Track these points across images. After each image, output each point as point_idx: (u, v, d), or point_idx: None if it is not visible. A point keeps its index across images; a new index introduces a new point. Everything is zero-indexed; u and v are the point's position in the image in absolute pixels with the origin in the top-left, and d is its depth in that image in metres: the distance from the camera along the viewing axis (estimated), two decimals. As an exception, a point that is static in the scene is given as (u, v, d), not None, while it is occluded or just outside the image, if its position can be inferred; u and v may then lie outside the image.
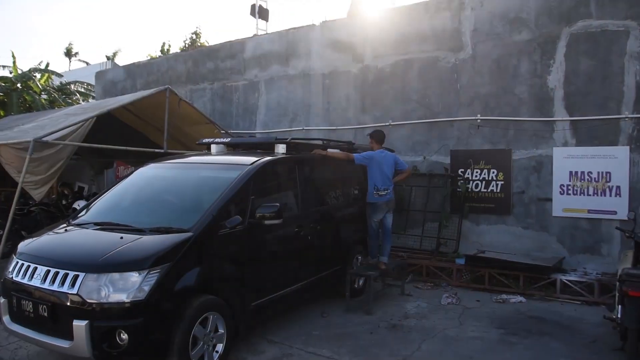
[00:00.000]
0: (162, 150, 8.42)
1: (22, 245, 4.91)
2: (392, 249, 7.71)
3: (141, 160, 11.48)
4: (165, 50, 24.55)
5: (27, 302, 4.38)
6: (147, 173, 6.05)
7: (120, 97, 9.50)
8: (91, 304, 4.06)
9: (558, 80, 7.96)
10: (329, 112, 10.32)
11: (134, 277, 4.10)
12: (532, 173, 8.22)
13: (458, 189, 8.67)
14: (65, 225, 5.25)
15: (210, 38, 49.18)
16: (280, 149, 6.04)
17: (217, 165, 5.82)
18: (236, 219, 4.86)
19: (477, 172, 8.67)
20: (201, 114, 9.23)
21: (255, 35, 12.10)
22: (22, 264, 4.56)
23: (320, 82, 10.41)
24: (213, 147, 6.47)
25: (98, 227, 4.91)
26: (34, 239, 5.05)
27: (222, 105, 11.85)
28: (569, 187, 7.90)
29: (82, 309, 4.08)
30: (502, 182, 8.45)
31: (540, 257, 7.75)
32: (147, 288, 4.08)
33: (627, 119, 7.46)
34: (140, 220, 4.96)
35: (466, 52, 8.76)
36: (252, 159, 5.63)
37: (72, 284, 4.13)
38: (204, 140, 6.74)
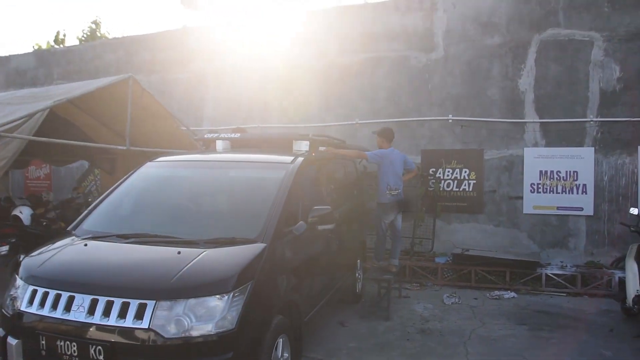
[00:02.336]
0: (124, 147, 7.38)
1: (31, 267, 3.75)
2: (367, 250, 7.61)
3: (68, 159, 10.18)
4: (60, 40, 21.80)
5: (66, 343, 3.27)
6: (160, 173, 5.17)
7: (72, 84, 8.16)
8: (169, 340, 3.17)
9: (529, 84, 8.36)
10: (289, 109, 9.86)
11: (218, 302, 3.31)
12: (503, 172, 8.55)
13: (430, 188, 8.75)
14: (72, 238, 4.19)
15: (117, 28, 44.49)
16: (303, 146, 5.52)
17: (252, 164, 5.14)
18: (302, 225, 4.33)
19: (449, 171, 8.82)
20: (164, 109, 8.26)
21: (203, 25, 11.21)
22: (45, 292, 3.47)
23: (280, 77, 9.90)
24: (219, 144, 5.74)
25: (131, 240, 3.97)
26: (43, 258, 3.88)
27: (161, 100, 10.70)
28: (539, 186, 8.35)
29: (157, 348, 3.18)
30: (474, 181, 8.69)
31: (521, 253, 8.09)
32: (234, 315, 3.33)
33: (592, 122, 8.05)
34: (181, 230, 4.18)
35: (438, 53, 8.87)
36: (288, 157, 5.08)
37: (139, 316, 3.21)
38: (211, 135, 5.97)
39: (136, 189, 4.94)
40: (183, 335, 3.20)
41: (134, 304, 3.25)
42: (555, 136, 8.26)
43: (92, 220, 4.46)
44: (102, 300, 3.30)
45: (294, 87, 9.78)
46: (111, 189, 4.83)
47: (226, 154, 5.56)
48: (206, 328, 3.25)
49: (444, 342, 5.49)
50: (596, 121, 8.02)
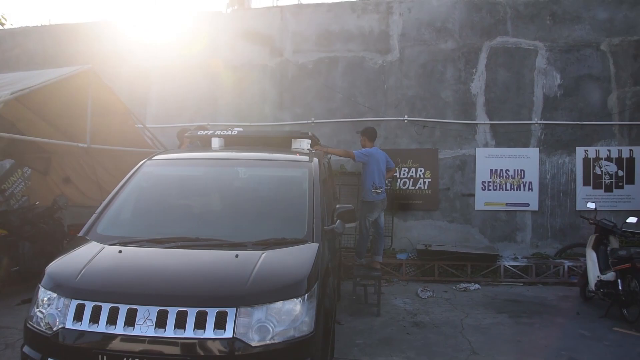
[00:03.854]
0: (85, 145, 6.76)
1: (67, 278, 3.27)
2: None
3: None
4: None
5: None
6: (169, 173, 4.80)
7: (19, 74, 7.22)
8: (255, 348, 2.97)
9: (480, 87, 8.88)
10: (241, 107, 9.59)
11: (297, 306, 3.15)
12: (456, 171, 8.99)
13: (387, 187, 8.95)
14: (92, 244, 3.70)
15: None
16: (304, 144, 5.41)
17: (270, 163, 4.91)
18: (341, 224, 4.25)
19: (404, 170, 9.09)
20: (122, 104, 7.65)
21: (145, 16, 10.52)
22: (96, 306, 3.05)
23: (231, 74, 9.61)
24: (215, 141, 5.43)
25: (171, 245, 3.61)
26: (76, 267, 3.35)
27: (97, 94, 9.96)
28: (490, 184, 8.88)
29: (244, 357, 2.97)
30: (430, 180, 9.04)
31: (476, 247, 8.54)
32: (310, 318, 3.18)
33: (536, 124, 8.73)
34: (221, 232, 3.93)
35: (394, 55, 9.12)
36: (303, 155, 4.97)
37: (220, 325, 2.96)
38: (206, 133, 5.62)
39: (148, 190, 4.53)
40: (268, 342, 3.02)
41: (212, 313, 2.98)
42: (503, 137, 8.84)
43: (106, 225, 4.01)
44: (173, 311, 2.98)
45: (247, 85, 9.55)
46: (115, 190, 4.36)
47: (237, 152, 5.25)
48: (289, 333, 3.08)
49: (443, 334, 5.65)
50: (540, 124, 8.71)
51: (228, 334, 2.95)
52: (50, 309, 3.17)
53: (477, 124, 8.91)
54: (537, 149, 8.75)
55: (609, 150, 8.55)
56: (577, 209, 8.64)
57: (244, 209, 4.33)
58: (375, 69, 9.18)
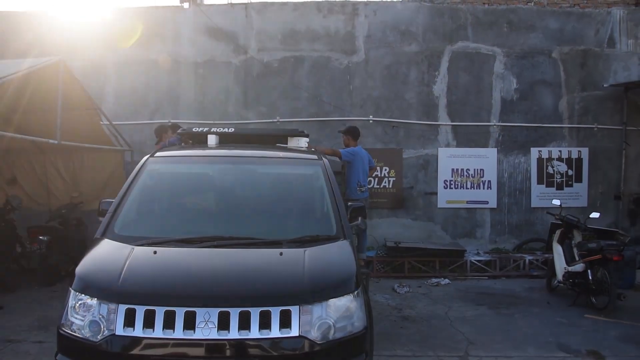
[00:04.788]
0: (55, 142, 6.30)
1: (106, 282, 3.07)
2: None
3: None
4: None
5: None
6: (178, 170, 4.61)
7: None
8: (319, 344, 2.95)
9: (442, 90, 9.21)
10: (204, 105, 9.34)
11: (352, 302, 3.15)
12: (420, 170, 9.26)
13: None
14: (118, 244, 3.48)
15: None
16: (302, 142, 5.35)
17: (280, 160, 4.77)
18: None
19: (370, 169, 9.23)
20: (89, 99, 7.19)
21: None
22: (149, 311, 2.88)
23: (193, 71, 9.34)
24: (211, 138, 5.24)
25: (207, 244, 3.46)
26: (114, 270, 3.13)
27: (45, 88, 9.31)
28: (451, 182, 9.23)
29: (310, 355, 2.95)
30: (394, 179, 9.25)
31: (440, 243, 8.84)
32: (362, 313, 3.19)
33: (494, 126, 9.19)
34: (251, 230, 3.82)
35: (359, 56, 9.25)
36: (310, 154, 4.95)
37: (285, 324, 2.91)
38: (201, 129, 5.39)
39: (160, 188, 4.36)
40: (330, 339, 3.00)
41: (275, 312, 2.92)
42: (464, 138, 9.21)
43: (123, 225, 3.77)
44: (235, 312, 2.88)
45: (210, 82, 9.31)
46: (124, 188, 4.10)
47: (243, 149, 5.07)
48: (346, 329, 3.07)
49: (434, 326, 5.83)
50: (498, 125, 9.17)
51: (294, 332, 2.91)
52: (91, 315, 2.96)
53: (439, 125, 9.22)
54: (495, 149, 9.20)
55: (560, 151, 9.15)
56: (532, 206, 9.20)
57: (266, 207, 4.25)
58: (340, 69, 9.26)
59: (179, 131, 5.61)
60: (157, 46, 9.29)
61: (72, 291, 3.10)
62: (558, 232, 7.20)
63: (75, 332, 2.98)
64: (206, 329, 2.84)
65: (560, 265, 6.98)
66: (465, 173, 9.23)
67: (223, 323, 2.86)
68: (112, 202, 4.17)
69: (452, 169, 9.23)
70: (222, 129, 5.36)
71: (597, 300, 6.39)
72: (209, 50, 9.30)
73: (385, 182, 9.25)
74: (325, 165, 4.57)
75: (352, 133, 6.91)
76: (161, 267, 3.27)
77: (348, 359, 3.10)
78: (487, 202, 9.21)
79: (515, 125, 9.16)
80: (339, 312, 3.08)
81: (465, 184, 9.23)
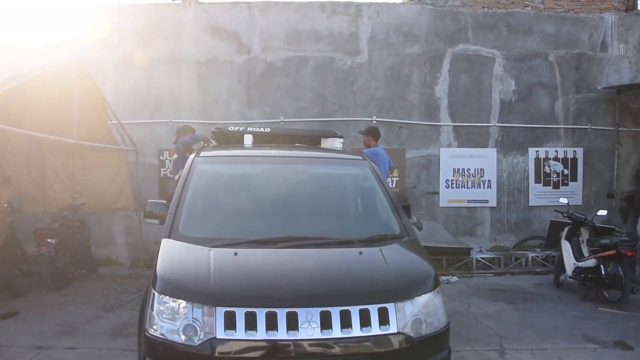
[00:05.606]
0: (72, 141, 6.12)
1: (198, 285, 3.03)
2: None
3: None
4: None
5: None
6: (231, 171, 4.58)
7: None
8: (416, 340, 3.05)
9: (443, 91, 9.38)
10: (206, 105, 9.23)
11: (435, 299, 3.27)
12: (422, 170, 9.41)
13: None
14: (191, 245, 3.44)
15: None
16: (337, 143, 5.39)
17: (328, 161, 4.79)
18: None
19: (374, 169, 9.32)
20: (101, 98, 7.00)
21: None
22: (249, 313, 2.87)
23: (195, 70, 9.21)
24: (247, 138, 5.18)
25: (283, 245, 3.46)
26: (201, 273, 3.11)
27: (40, 86, 9.00)
28: (453, 182, 9.41)
29: (408, 350, 3.02)
30: (397, 178, 9.36)
31: (450, 242, 9.00)
32: (443, 309, 3.32)
33: (494, 127, 9.42)
34: (321, 230, 3.85)
35: (363, 56, 9.33)
36: (355, 154, 5.10)
37: (384, 321, 2.98)
38: (237, 129, 5.34)
39: (215, 188, 4.33)
40: (423, 334, 3.08)
41: (374, 310, 2.98)
42: (465, 138, 9.41)
43: (188, 226, 3.70)
44: (336, 312, 2.92)
45: (213, 81, 9.22)
46: (179, 189, 3.99)
47: (288, 150, 5.05)
48: (433, 325, 3.18)
49: (460, 322, 5.90)
50: (497, 126, 9.41)
51: (393, 329, 2.99)
52: (184, 319, 2.91)
53: (441, 125, 9.39)
54: (495, 149, 9.43)
55: (556, 151, 9.46)
56: (530, 204, 9.47)
57: (327, 207, 4.28)
58: (344, 69, 9.31)
59: (212, 129, 5.53)
60: (158, 43, 9.11)
61: (156, 294, 3.03)
62: (566, 229, 7.44)
63: (165, 336, 2.91)
64: (309, 328, 2.86)
65: (569, 261, 7.20)
66: (466, 173, 9.43)
67: (325, 322, 2.89)
68: (160, 202, 4.13)
69: (454, 169, 9.41)
70: (258, 128, 5.34)
71: (609, 294, 6.64)
72: (211, 48, 9.20)
73: (388, 182, 9.32)
74: (373, 165, 4.63)
75: (374, 133, 6.99)
76: (249, 268, 3.25)
77: (436, 354, 3.19)
78: (487, 201, 9.43)
79: (514, 126, 9.42)
80: (427, 308, 3.17)
81: (466, 184, 9.43)
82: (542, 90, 9.45)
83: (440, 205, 9.38)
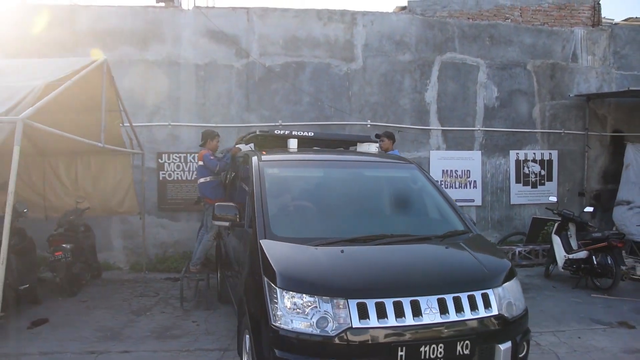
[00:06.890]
0: (100, 145, 6.12)
1: (323, 280, 3.29)
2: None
3: None
4: None
5: (432, 347, 3.19)
6: (299, 174, 4.90)
7: (29, 61, 6.12)
8: (511, 320, 3.50)
9: (433, 97, 9.93)
10: (205, 108, 9.34)
11: (517, 285, 3.76)
12: (414, 172, 9.89)
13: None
14: (293, 245, 3.71)
15: None
16: (373, 148, 5.75)
17: (382, 164, 5.26)
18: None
19: (369, 171, 9.73)
20: (118, 100, 6.96)
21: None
22: (379, 303, 3.18)
23: (194, 73, 9.29)
24: (292, 142, 5.43)
25: (377, 242, 3.78)
26: (320, 270, 3.40)
27: (35, 87, 8.77)
28: (442, 182, 9.97)
29: (506, 330, 3.45)
30: (391, 180, 9.81)
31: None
32: (522, 295, 3.80)
33: (479, 131, 10.07)
34: (401, 228, 4.23)
35: (357, 63, 9.73)
36: (397, 158, 5.53)
37: (487, 305, 3.41)
38: (283, 132, 5.56)
39: (287, 191, 4.58)
40: (515, 315, 3.54)
41: (478, 295, 3.40)
42: (452, 141, 10.00)
43: (279, 227, 3.93)
44: (449, 298, 3.32)
45: (211, 85, 9.33)
46: (258, 192, 4.19)
47: (338, 154, 5.39)
48: (520, 307, 3.67)
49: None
50: (482, 130, 10.05)
51: (494, 311, 3.42)
52: (316, 312, 3.16)
53: (430, 129, 9.93)
54: (480, 152, 10.07)
55: (534, 153, 10.23)
56: (512, 203, 10.18)
57: (393, 206, 4.63)
58: (340, 75, 9.68)
59: (258, 133, 5.69)
60: (156, 46, 9.14)
61: (280, 290, 3.25)
62: (555, 224, 8.13)
63: (298, 329, 3.15)
64: (431, 314, 3.24)
65: (560, 254, 7.87)
66: (454, 174, 10.01)
67: (442, 308, 3.28)
68: (231, 205, 4.36)
69: (443, 170, 9.97)
70: (302, 132, 5.61)
71: (600, 282, 7.35)
72: (210, 52, 9.31)
73: (382, 183, 9.77)
74: (420, 167, 5.04)
75: (392, 137, 7.41)
76: (364, 263, 3.56)
77: (522, 331, 3.64)
78: (473, 200, 10.06)
79: (497, 130, 10.10)
80: (513, 293, 3.64)
81: (454, 184, 10.02)
82: (522, 96, 10.20)
83: (430, 205, 9.90)
